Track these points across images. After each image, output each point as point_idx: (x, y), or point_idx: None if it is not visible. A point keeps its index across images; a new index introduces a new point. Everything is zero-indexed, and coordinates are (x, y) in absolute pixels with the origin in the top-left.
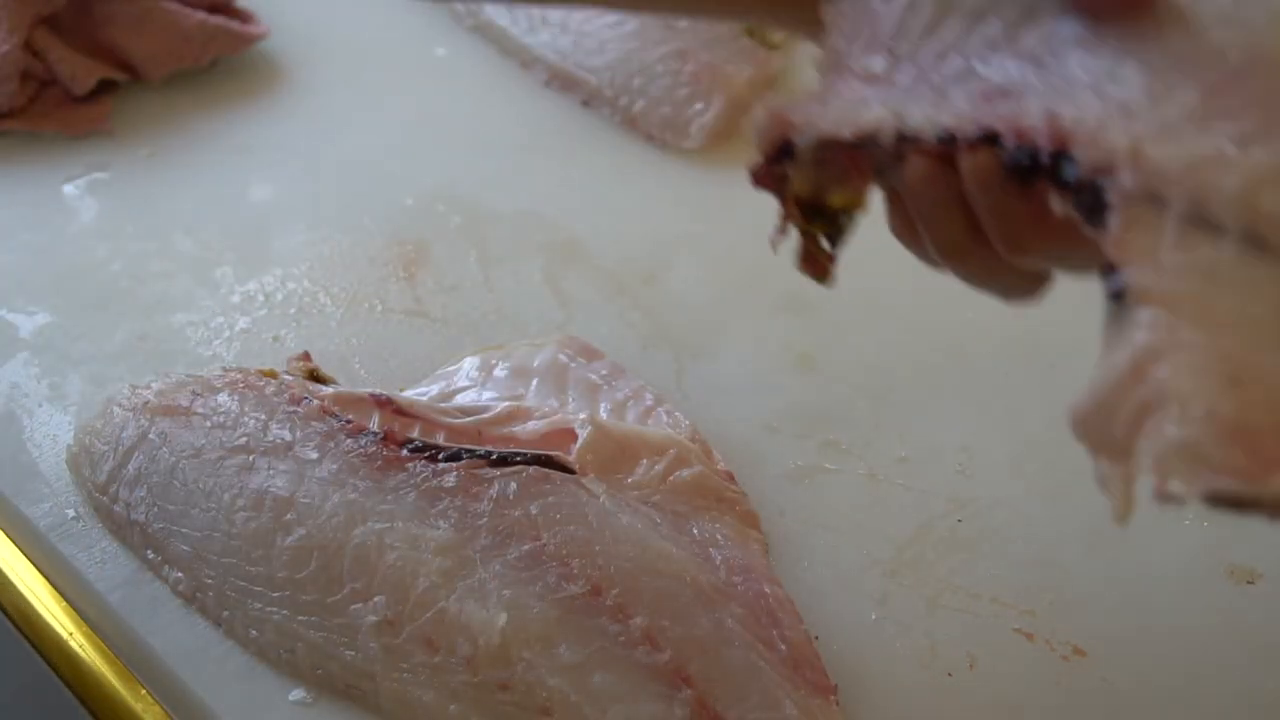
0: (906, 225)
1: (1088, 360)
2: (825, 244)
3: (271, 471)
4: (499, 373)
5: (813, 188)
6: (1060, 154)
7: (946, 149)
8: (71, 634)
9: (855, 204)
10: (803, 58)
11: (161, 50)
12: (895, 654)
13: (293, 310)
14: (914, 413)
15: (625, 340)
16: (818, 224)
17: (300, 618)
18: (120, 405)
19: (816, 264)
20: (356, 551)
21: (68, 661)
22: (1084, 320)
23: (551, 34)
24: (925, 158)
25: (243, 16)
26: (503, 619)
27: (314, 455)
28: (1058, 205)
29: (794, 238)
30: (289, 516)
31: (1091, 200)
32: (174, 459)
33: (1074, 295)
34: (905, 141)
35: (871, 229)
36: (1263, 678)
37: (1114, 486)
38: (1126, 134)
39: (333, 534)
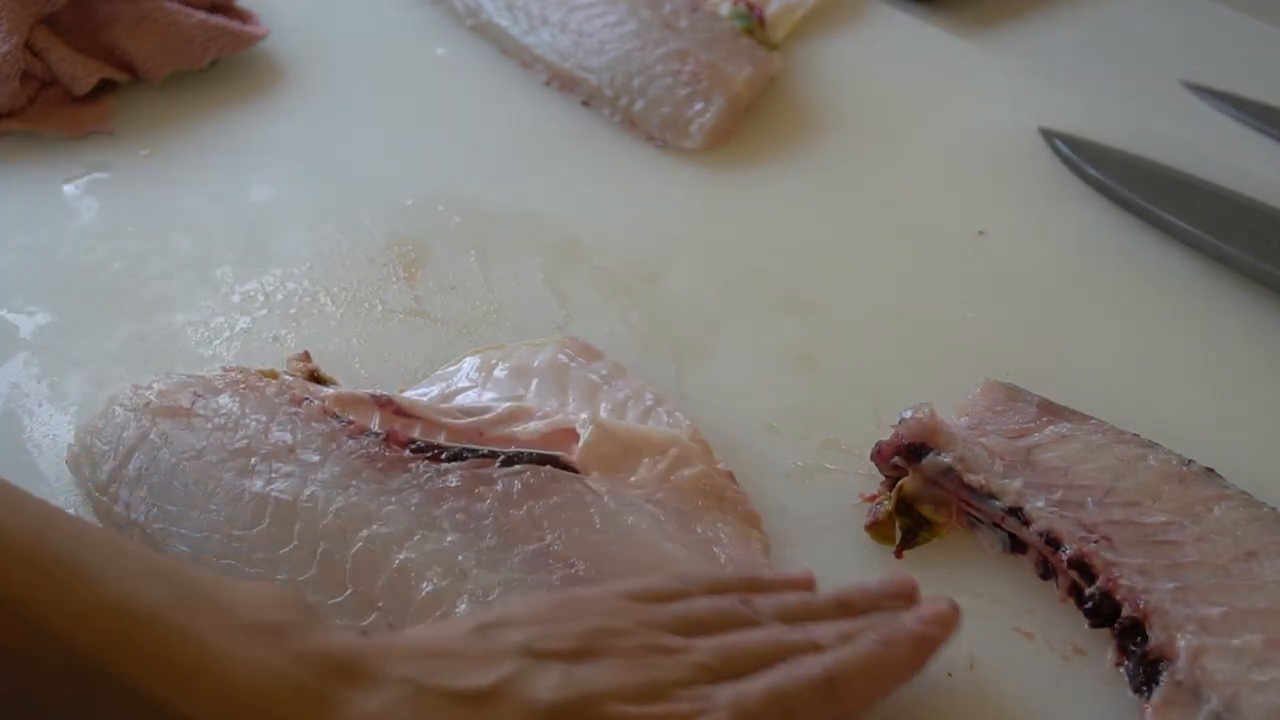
0: None
1: (1086, 362)
2: (899, 530)
3: (273, 474)
4: (499, 373)
5: (915, 494)
6: (1136, 624)
7: (1046, 546)
8: None
9: (939, 527)
10: (802, 57)
11: (162, 50)
12: None
13: (293, 310)
14: None
15: (625, 340)
16: (903, 517)
17: None
18: (122, 405)
19: (883, 536)
20: (358, 554)
21: None
22: (1085, 320)
23: (551, 34)
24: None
25: (243, 16)
26: None
27: (316, 458)
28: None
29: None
30: (290, 519)
31: (1145, 672)
32: (175, 460)
33: (1071, 298)
34: (1014, 516)
35: (871, 226)
36: None
37: None
38: (1198, 639)
39: (334, 536)
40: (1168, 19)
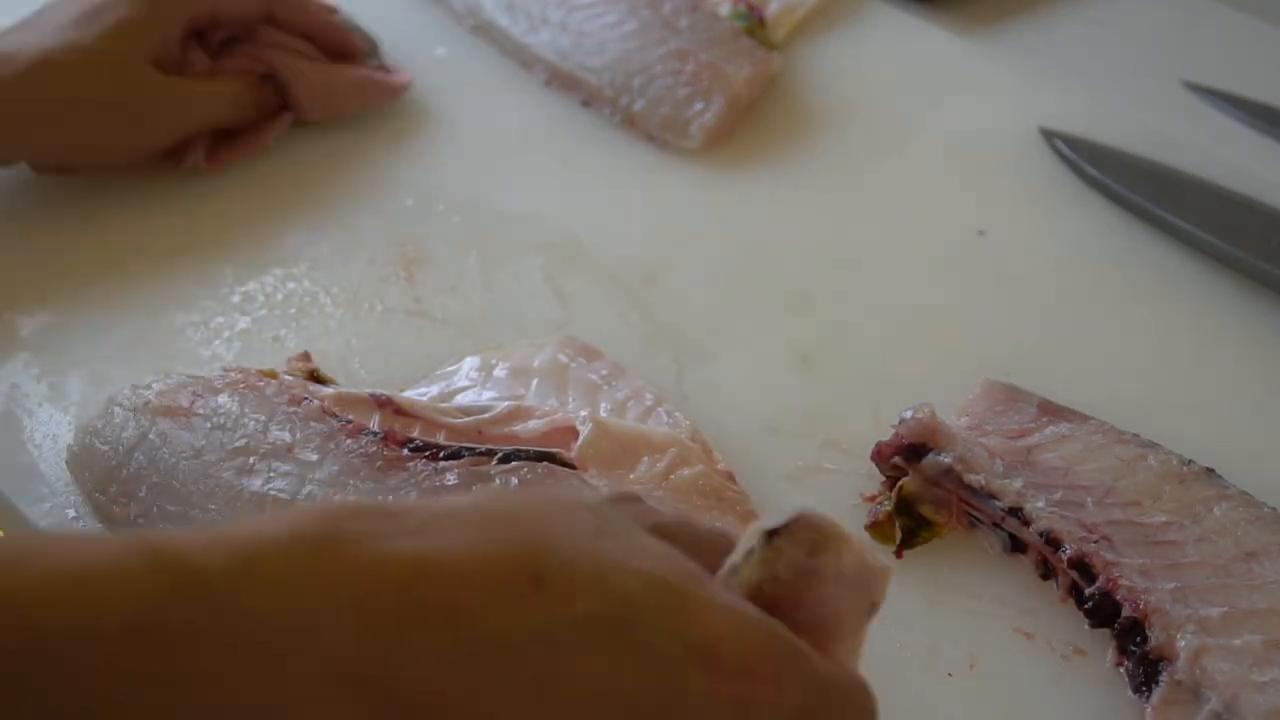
0: None
1: (1086, 362)
2: (899, 530)
3: (271, 473)
4: (499, 373)
5: (915, 494)
6: (1136, 624)
7: (1046, 546)
8: None
9: (939, 527)
10: (802, 57)
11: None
12: (895, 654)
13: (293, 310)
14: None
15: (625, 340)
16: (903, 517)
17: None
18: (121, 405)
19: (883, 536)
20: None
21: None
22: (1085, 320)
23: (551, 34)
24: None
25: (386, 69)
26: None
27: (314, 457)
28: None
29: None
30: None
31: (1145, 672)
32: (174, 459)
33: (1071, 298)
34: (1014, 516)
35: (871, 226)
36: None
37: None
38: (1198, 639)
39: None
40: (1168, 19)
